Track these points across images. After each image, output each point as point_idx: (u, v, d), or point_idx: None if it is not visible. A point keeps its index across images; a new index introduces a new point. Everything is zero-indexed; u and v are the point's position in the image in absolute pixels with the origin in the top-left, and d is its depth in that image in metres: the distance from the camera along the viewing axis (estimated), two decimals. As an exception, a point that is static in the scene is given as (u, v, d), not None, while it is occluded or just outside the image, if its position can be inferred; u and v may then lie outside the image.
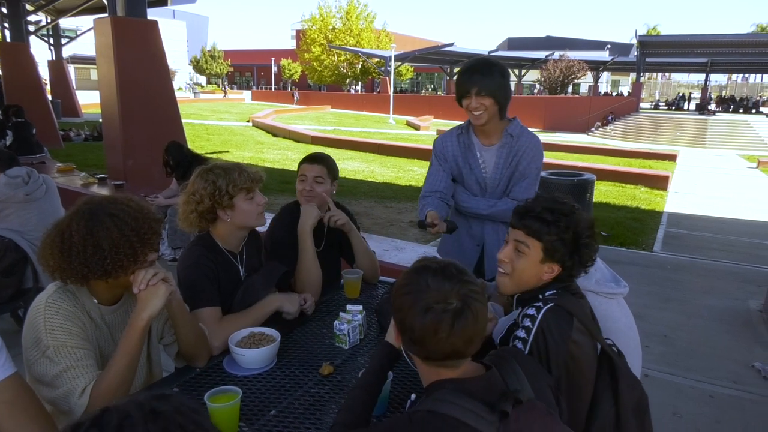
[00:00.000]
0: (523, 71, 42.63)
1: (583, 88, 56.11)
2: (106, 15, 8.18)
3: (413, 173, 12.72)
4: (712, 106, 37.64)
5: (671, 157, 17.37)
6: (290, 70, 61.75)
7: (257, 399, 1.67)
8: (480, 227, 2.62)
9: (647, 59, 32.37)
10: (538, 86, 42.58)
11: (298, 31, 61.30)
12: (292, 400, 1.66)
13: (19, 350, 1.55)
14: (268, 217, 2.38)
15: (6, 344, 1.36)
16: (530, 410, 1.15)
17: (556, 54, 39.38)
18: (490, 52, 39.66)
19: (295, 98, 42.23)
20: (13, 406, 1.29)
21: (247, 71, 77.07)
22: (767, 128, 25.39)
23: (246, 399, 1.64)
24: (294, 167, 13.18)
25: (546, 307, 1.52)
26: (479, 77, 2.32)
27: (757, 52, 29.91)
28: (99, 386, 1.50)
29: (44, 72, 17.08)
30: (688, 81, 61.94)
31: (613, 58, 40.83)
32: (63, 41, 21.90)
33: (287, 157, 14.89)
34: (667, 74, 57.48)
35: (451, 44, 39.04)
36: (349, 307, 2.11)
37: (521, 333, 1.51)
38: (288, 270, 2.32)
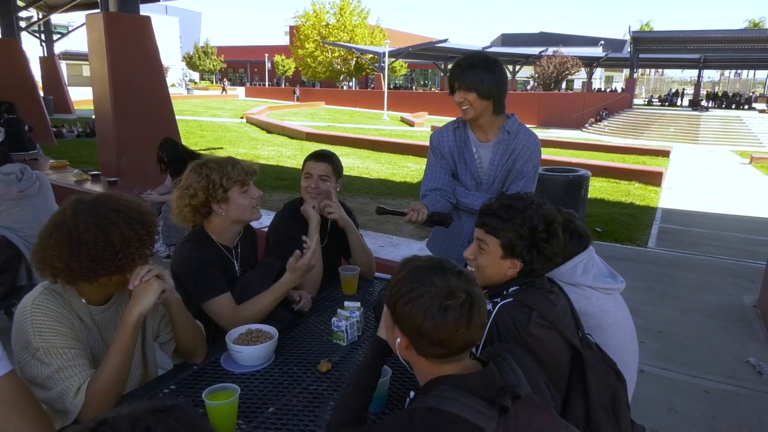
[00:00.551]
0: (517, 67, 42.61)
1: (577, 84, 56.12)
2: (98, 11, 8.12)
3: (408, 169, 12.71)
4: (705, 102, 37.81)
5: (665, 153, 17.42)
6: (284, 67, 61.60)
7: (255, 396, 1.66)
8: (470, 223, 2.59)
9: (640, 55, 32.42)
10: (531, 82, 42.60)
11: (291, 27, 61.18)
12: (291, 398, 1.65)
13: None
14: (264, 213, 2.37)
15: (1, 342, 1.34)
16: (529, 405, 1.15)
17: (550, 50, 39.36)
18: (484, 48, 39.61)
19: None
20: (9, 405, 1.28)
21: (241, 67, 76.82)
22: (759, 124, 25.52)
23: (244, 396, 1.63)
24: (288, 164, 13.12)
25: (502, 302, 1.55)
26: (460, 72, 2.32)
27: (750, 48, 30.02)
28: (94, 385, 1.49)
29: (36, 68, 16.92)
30: (681, 77, 62.12)
31: (606, 54, 40.84)
32: (55, 37, 21.76)
33: (281, 153, 14.84)
34: (660, 70, 57.68)
35: (445, 40, 38.98)
36: (346, 303, 2.11)
37: None
38: (284, 266, 2.30)
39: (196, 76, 66.57)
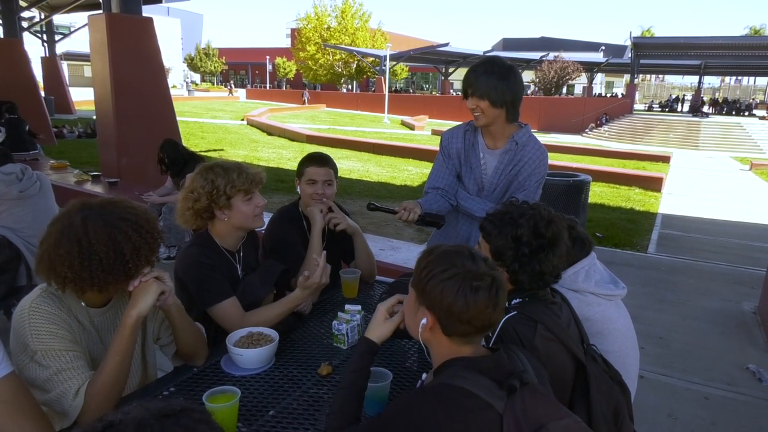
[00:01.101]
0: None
1: (578, 89, 56.24)
2: (100, 12, 8.14)
3: (408, 173, 12.71)
4: (706, 108, 37.84)
5: (665, 159, 17.43)
6: (285, 69, 61.63)
7: (255, 399, 1.65)
8: (467, 226, 2.58)
9: (641, 61, 32.49)
10: (532, 87, 42.58)
11: (293, 30, 61.17)
12: (291, 401, 1.65)
13: (14, 349, 1.53)
14: (266, 219, 2.37)
15: (1, 342, 1.34)
16: (535, 393, 1.19)
17: (551, 55, 39.41)
18: (485, 52, 39.73)
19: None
20: (10, 406, 1.28)
21: (242, 69, 76.87)
22: (760, 131, 25.57)
23: (244, 399, 1.63)
24: (289, 166, 13.08)
25: (507, 316, 1.52)
26: (474, 78, 2.28)
27: (750, 55, 30.08)
28: (93, 386, 1.48)
29: (37, 69, 16.94)
30: (682, 83, 62.14)
31: (607, 60, 40.95)
32: (56, 38, 21.79)
33: (282, 156, 14.84)
34: (660, 76, 57.73)
35: (446, 44, 39.00)
36: (347, 307, 2.11)
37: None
38: (286, 269, 2.31)
39: (197, 77, 66.56)
